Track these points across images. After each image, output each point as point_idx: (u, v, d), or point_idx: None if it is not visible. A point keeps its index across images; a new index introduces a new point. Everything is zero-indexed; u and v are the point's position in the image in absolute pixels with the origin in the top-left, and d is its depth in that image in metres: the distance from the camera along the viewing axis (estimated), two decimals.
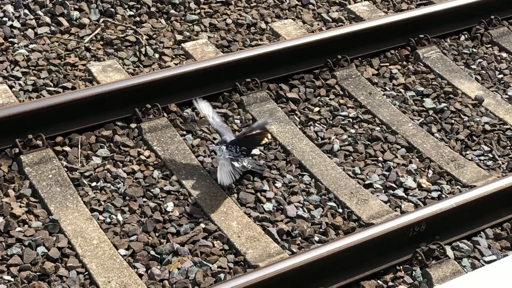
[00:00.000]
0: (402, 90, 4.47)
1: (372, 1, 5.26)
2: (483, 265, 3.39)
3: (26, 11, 4.65)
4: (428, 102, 4.37)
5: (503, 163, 3.99)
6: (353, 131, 4.12)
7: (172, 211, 3.50)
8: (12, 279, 3.12)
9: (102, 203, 3.53)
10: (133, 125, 3.98)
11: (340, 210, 3.61)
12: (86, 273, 3.19)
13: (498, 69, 4.75)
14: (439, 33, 4.95)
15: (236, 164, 3.58)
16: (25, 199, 3.50)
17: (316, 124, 4.15)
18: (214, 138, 3.94)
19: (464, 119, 4.27)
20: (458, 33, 5.03)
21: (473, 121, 4.26)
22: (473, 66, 4.74)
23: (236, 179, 3.57)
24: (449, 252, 3.43)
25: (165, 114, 4.04)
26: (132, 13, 4.83)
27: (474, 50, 4.88)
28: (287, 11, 5.08)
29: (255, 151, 3.86)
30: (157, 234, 3.39)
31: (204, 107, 3.89)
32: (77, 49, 4.49)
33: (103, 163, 3.73)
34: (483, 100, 4.42)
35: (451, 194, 3.73)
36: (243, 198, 3.61)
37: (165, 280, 3.19)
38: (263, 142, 3.92)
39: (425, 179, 3.83)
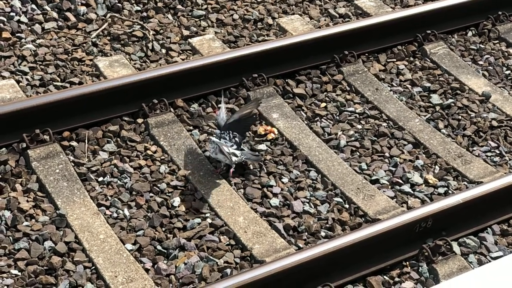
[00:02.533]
0: (409, 86, 4.47)
1: None
2: (489, 261, 3.39)
3: (34, 6, 4.65)
4: (435, 98, 4.37)
5: (510, 159, 3.98)
6: (359, 126, 4.12)
7: (178, 206, 3.51)
8: (19, 273, 3.14)
9: (109, 198, 3.53)
10: (140, 120, 3.98)
11: (347, 206, 3.61)
12: (93, 267, 3.20)
13: (506, 65, 4.74)
14: (446, 29, 4.94)
15: (226, 149, 3.59)
16: (32, 194, 3.51)
17: (322, 119, 4.14)
18: None
19: (471, 115, 4.26)
20: (466, 29, 5.02)
21: (480, 117, 4.25)
22: (480, 62, 4.73)
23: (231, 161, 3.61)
24: (456, 248, 3.43)
25: (171, 109, 4.05)
26: (139, 8, 4.83)
27: (482, 46, 4.87)
28: (294, 6, 5.08)
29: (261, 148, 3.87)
30: (163, 229, 3.40)
31: (222, 107, 3.86)
32: (84, 44, 4.49)
33: (110, 158, 3.74)
34: (490, 96, 4.41)
35: (457, 190, 3.73)
36: (249, 193, 3.62)
37: (172, 275, 3.20)
38: (269, 136, 3.93)
39: (431, 175, 3.82)
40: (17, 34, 4.48)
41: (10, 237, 3.28)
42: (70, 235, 3.32)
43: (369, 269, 3.28)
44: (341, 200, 3.63)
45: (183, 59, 4.44)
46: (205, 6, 4.93)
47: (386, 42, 4.73)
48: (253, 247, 3.33)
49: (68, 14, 4.67)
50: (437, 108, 4.30)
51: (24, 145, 3.71)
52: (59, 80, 4.18)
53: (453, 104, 4.32)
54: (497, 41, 4.94)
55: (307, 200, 3.61)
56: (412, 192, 3.71)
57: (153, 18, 4.79)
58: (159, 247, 3.31)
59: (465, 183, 3.79)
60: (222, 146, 3.58)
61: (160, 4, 4.87)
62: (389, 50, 4.73)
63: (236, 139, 3.72)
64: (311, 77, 4.43)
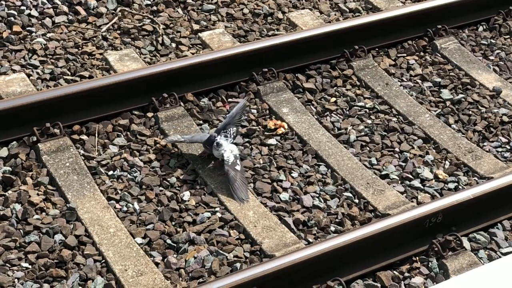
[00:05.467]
0: (419, 81, 4.46)
1: None
2: (499, 256, 3.38)
3: (44, 0, 4.66)
4: (446, 93, 4.35)
5: None
6: (369, 121, 4.11)
7: (188, 200, 3.51)
8: (30, 266, 3.15)
9: (119, 191, 3.54)
10: (150, 114, 3.98)
11: (356, 201, 3.60)
12: (103, 261, 3.21)
13: None
14: (457, 24, 4.92)
15: (238, 167, 3.59)
16: (43, 187, 3.52)
17: (332, 114, 4.14)
18: None
19: (482, 110, 4.25)
20: (476, 23, 5.01)
21: (491, 112, 4.24)
22: (491, 57, 4.72)
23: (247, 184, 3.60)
24: (466, 243, 3.42)
25: (181, 103, 4.05)
26: (149, 2, 4.83)
27: (492, 41, 4.85)
28: (304, 1, 5.07)
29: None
30: (173, 223, 3.41)
31: (173, 137, 3.78)
32: (94, 38, 4.50)
33: (120, 152, 3.75)
34: (501, 92, 4.40)
35: (468, 185, 3.72)
36: (259, 187, 3.62)
37: (181, 269, 3.20)
38: (279, 130, 3.94)
39: (441, 170, 3.81)
40: (27, 28, 4.49)
41: (21, 230, 3.29)
42: (80, 228, 3.32)
43: (379, 264, 3.28)
44: (350, 195, 3.62)
45: (193, 53, 4.44)
46: (215, 0, 4.92)
47: (397, 37, 4.72)
48: (262, 241, 3.33)
49: (79, 8, 4.68)
50: (448, 103, 4.29)
51: (35, 138, 3.72)
52: (70, 74, 4.19)
53: (463, 99, 4.31)
54: (508, 36, 4.92)
55: (317, 195, 3.61)
56: (422, 187, 3.71)
57: (163, 12, 4.78)
58: (169, 241, 3.31)
59: (476, 178, 3.78)
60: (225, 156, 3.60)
61: None
62: (399, 45, 4.72)
63: (234, 133, 3.72)
64: (321, 71, 4.42)
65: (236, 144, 3.77)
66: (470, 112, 4.23)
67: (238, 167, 3.59)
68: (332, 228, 3.44)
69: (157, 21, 4.65)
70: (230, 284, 2.97)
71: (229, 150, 3.62)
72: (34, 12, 4.59)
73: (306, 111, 4.12)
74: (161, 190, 3.56)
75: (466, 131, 4.11)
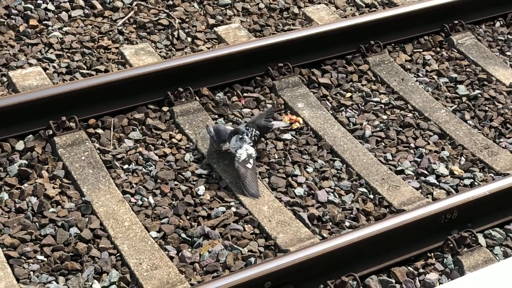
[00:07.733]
0: (435, 77, 4.44)
1: None
2: None
3: None
4: (462, 89, 4.33)
5: None
6: (385, 117, 4.10)
7: (203, 195, 3.52)
8: (46, 259, 3.16)
9: (134, 185, 3.55)
10: (165, 109, 3.99)
11: (371, 196, 3.60)
12: (118, 254, 3.22)
13: None
14: (474, 19, 4.89)
15: (249, 165, 3.57)
16: (58, 181, 3.53)
17: (348, 109, 4.13)
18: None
19: (498, 106, 4.22)
20: (493, 19, 4.97)
21: (507, 108, 4.21)
22: (508, 53, 4.69)
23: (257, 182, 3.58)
24: (481, 240, 3.40)
25: (197, 97, 4.05)
26: None
27: (510, 36, 4.82)
28: None
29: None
30: (188, 217, 3.41)
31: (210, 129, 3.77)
32: (110, 32, 4.51)
33: (135, 145, 3.76)
34: None
35: (483, 181, 3.70)
36: (274, 182, 3.62)
37: (196, 263, 3.21)
38: (294, 125, 3.93)
39: (457, 166, 3.80)
40: (44, 22, 4.51)
41: (37, 223, 3.31)
42: (96, 222, 3.34)
43: (394, 260, 3.27)
44: (365, 190, 3.62)
45: (208, 48, 4.44)
46: None
47: (413, 32, 4.70)
48: (277, 236, 3.33)
49: (95, 2, 4.69)
50: (464, 99, 4.27)
51: (51, 132, 3.73)
52: (85, 67, 4.20)
53: (480, 95, 4.29)
54: None
55: (332, 190, 3.60)
56: (437, 183, 3.69)
57: (179, 6, 4.79)
58: (183, 235, 3.32)
59: (492, 174, 3.76)
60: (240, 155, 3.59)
61: None
62: (415, 40, 4.70)
63: (255, 137, 3.70)
64: (337, 66, 4.41)
65: (255, 142, 3.73)
66: (487, 108, 4.20)
67: (249, 165, 3.57)
68: (347, 224, 3.44)
69: (173, 16, 4.65)
70: (243, 279, 2.97)
71: (244, 148, 3.62)
72: (50, 6, 4.61)
73: (321, 106, 4.11)
74: (176, 184, 3.57)
75: (482, 127, 4.09)
